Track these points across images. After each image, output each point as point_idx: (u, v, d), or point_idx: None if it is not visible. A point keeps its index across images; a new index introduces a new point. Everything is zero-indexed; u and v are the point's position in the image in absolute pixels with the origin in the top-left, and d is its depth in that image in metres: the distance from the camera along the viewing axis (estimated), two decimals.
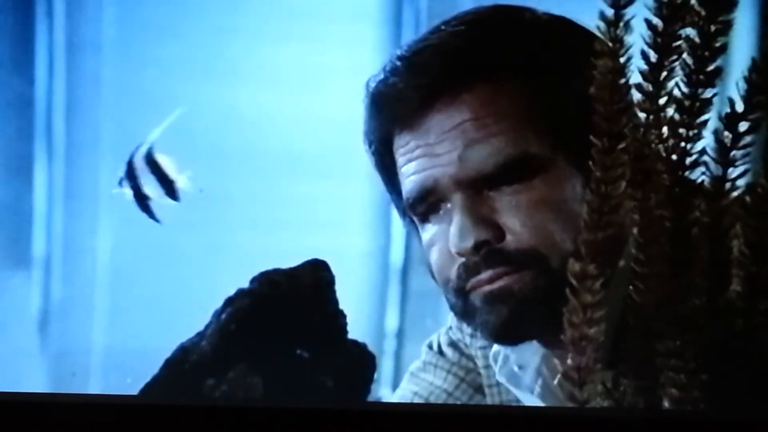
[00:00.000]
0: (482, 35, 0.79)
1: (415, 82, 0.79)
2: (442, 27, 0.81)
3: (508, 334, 0.80)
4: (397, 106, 0.80)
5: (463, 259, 0.79)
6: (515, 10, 0.81)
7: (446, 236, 0.79)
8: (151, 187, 0.92)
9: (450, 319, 0.91)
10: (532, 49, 0.79)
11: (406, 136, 0.81)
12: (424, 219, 0.82)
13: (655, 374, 0.64)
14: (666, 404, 0.64)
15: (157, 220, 0.90)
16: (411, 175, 0.80)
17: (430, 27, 0.82)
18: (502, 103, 0.78)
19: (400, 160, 0.82)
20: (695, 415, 0.64)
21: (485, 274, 0.78)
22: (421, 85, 0.78)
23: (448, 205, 0.79)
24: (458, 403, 0.90)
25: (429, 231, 0.82)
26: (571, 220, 0.73)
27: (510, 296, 0.78)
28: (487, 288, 0.78)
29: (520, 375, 0.84)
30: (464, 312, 0.81)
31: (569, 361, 0.64)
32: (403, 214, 0.85)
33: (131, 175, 0.92)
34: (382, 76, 0.81)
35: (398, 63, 0.80)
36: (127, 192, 0.92)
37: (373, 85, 0.82)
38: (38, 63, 1.32)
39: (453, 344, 0.91)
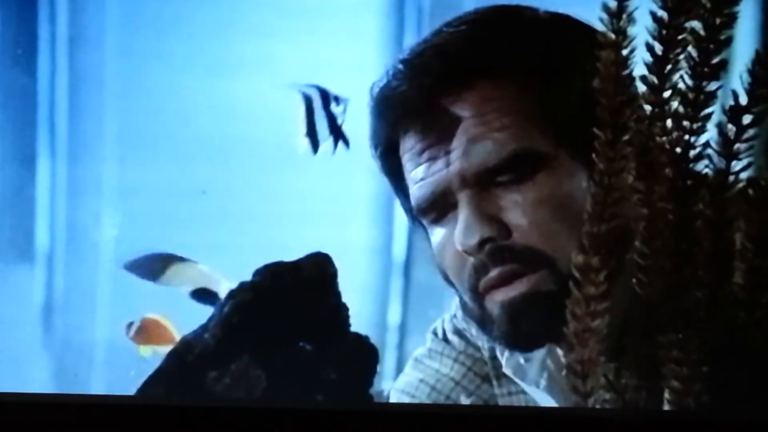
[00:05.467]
0: (483, 35, 0.80)
1: (417, 82, 0.79)
2: (444, 28, 0.81)
3: (526, 343, 0.81)
4: (400, 108, 0.80)
5: (472, 259, 0.79)
6: (516, 10, 0.82)
7: (454, 237, 0.79)
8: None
9: (454, 306, 0.91)
10: (533, 47, 0.79)
11: (411, 138, 0.81)
12: (434, 223, 0.82)
13: (657, 366, 0.65)
14: (667, 396, 0.64)
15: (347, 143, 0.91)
16: (419, 181, 0.81)
17: (432, 29, 0.83)
18: (504, 101, 0.79)
19: (407, 165, 0.82)
20: (697, 415, 0.64)
21: (494, 272, 0.78)
22: (423, 85, 0.79)
23: (456, 207, 0.80)
24: (466, 391, 0.90)
25: (438, 234, 0.82)
26: (577, 217, 0.73)
27: (525, 305, 0.78)
28: (501, 296, 0.78)
29: (526, 368, 0.84)
30: (481, 321, 0.81)
31: (573, 354, 0.64)
32: (412, 218, 0.85)
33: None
34: (385, 81, 0.82)
35: (401, 66, 0.81)
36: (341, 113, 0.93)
37: (376, 90, 0.82)
38: (41, 56, 1.32)
39: (458, 332, 0.91)
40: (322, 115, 0.93)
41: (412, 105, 0.79)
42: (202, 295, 0.91)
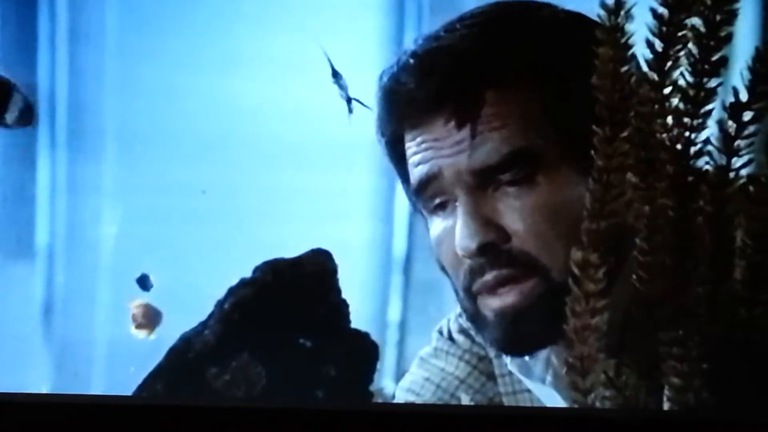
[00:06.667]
0: (496, 38, 0.79)
1: (426, 84, 0.79)
2: (457, 25, 0.80)
3: (519, 348, 0.82)
4: (407, 106, 0.81)
5: (469, 260, 0.79)
6: (532, 8, 0.81)
7: (453, 235, 0.80)
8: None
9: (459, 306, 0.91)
10: (545, 49, 0.79)
11: (415, 132, 0.81)
12: (432, 212, 0.82)
13: (657, 363, 0.65)
14: (667, 393, 0.64)
15: (368, 107, 0.91)
16: (417, 165, 0.81)
17: (436, 25, 0.82)
18: (511, 104, 0.79)
19: (408, 152, 0.82)
20: (698, 415, 0.64)
21: (490, 275, 0.79)
22: (429, 88, 0.79)
23: (456, 203, 0.80)
24: (471, 389, 0.90)
25: (437, 227, 0.82)
26: (575, 226, 0.73)
27: (518, 314, 0.78)
28: (495, 303, 0.79)
29: (531, 364, 0.84)
30: (474, 320, 0.82)
31: (572, 351, 0.64)
32: (414, 204, 0.85)
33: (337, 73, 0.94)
34: (394, 71, 0.81)
35: (411, 60, 0.80)
36: (343, 85, 0.94)
37: (385, 79, 0.82)
38: (41, 53, 1.32)
39: (464, 331, 0.91)
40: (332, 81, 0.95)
41: (419, 105, 0.80)
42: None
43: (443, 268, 0.83)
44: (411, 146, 0.82)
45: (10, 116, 0.87)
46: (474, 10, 0.81)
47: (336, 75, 0.95)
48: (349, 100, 0.93)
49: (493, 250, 0.78)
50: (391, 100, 0.82)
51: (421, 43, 0.81)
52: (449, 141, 0.79)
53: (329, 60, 0.96)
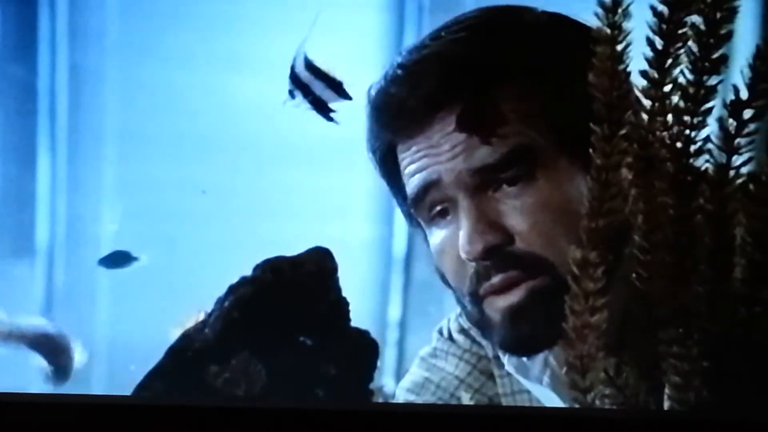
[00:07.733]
0: (483, 42, 0.79)
1: (416, 93, 0.79)
2: (442, 33, 0.80)
3: (524, 349, 0.82)
4: (398, 117, 0.80)
5: (474, 264, 0.79)
6: (514, 12, 0.81)
7: (456, 242, 0.79)
8: (322, 92, 0.92)
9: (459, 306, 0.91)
10: (533, 51, 0.79)
11: (409, 142, 0.81)
12: (431, 222, 0.82)
13: (658, 362, 0.64)
14: (668, 391, 0.64)
15: (335, 122, 0.90)
16: (414, 174, 0.81)
17: (432, 27, 0.82)
18: (507, 105, 0.79)
19: (403, 163, 0.82)
20: (698, 415, 0.64)
21: (496, 279, 0.78)
22: (422, 96, 0.79)
23: (457, 209, 0.80)
24: (470, 389, 0.90)
25: (437, 236, 0.82)
26: (578, 222, 0.73)
27: (525, 312, 0.78)
28: (501, 302, 0.78)
29: (529, 365, 0.84)
30: (480, 324, 0.82)
31: (572, 350, 0.64)
32: (410, 218, 0.85)
33: (300, 85, 0.92)
34: (383, 84, 0.81)
35: (399, 71, 0.80)
36: (301, 102, 0.92)
37: (374, 93, 0.82)
38: (41, 52, 1.32)
39: (464, 331, 0.91)
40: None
41: (412, 114, 0.79)
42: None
43: (443, 278, 0.83)
44: (405, 157, 0.81)
45: (70, 369, 0.93)
46: (458, 17, 0.81)
47: (295, 80, 0.93)
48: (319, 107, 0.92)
49: (499, 253, 0.78)
50: (382, 112, 0.81)
51: (406, 54, 0.81)
52: (446, 146, 0.79)
53: (311, 59, 0.94)
